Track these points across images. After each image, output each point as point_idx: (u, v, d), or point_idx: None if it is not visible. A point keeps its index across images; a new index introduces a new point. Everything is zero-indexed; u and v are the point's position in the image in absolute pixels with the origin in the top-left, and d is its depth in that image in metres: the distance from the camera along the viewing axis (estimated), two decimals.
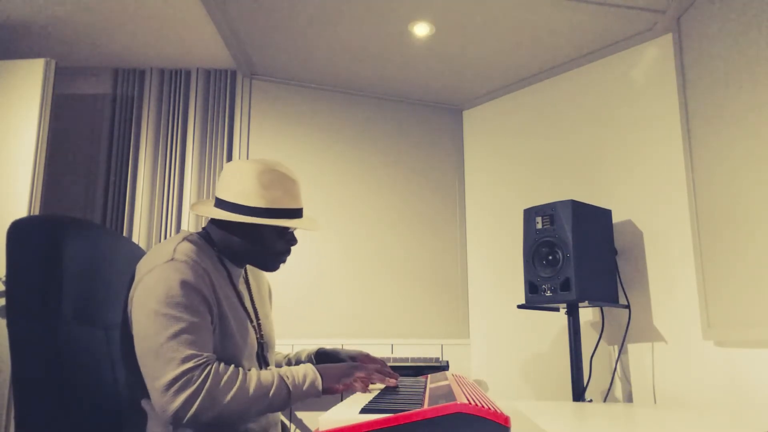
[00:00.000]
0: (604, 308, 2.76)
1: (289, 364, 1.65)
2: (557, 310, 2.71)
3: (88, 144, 3.15)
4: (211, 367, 1.19)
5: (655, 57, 2.74)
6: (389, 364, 2.86)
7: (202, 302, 1.25)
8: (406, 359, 2.91)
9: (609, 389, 2.73)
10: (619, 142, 2.85)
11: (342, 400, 1.19)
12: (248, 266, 1.56)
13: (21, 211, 2.52)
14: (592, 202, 2.79)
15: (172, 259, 1.25)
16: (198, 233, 1.41)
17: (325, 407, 1.17)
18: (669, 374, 2.51)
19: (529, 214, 2.62)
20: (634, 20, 2.68)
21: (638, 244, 2.70)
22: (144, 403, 1.29)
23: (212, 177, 3.13)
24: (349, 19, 2.73)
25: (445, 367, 2.90)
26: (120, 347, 1.32)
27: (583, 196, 2.87)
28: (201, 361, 1.19)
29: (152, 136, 3.12)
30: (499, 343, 3.26)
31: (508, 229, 3.27)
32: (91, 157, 3.13)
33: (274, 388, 1.24)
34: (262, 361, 1.46)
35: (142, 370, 1.20)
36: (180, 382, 1.15)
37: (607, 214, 2.68)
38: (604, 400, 2.74)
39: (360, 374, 1.33)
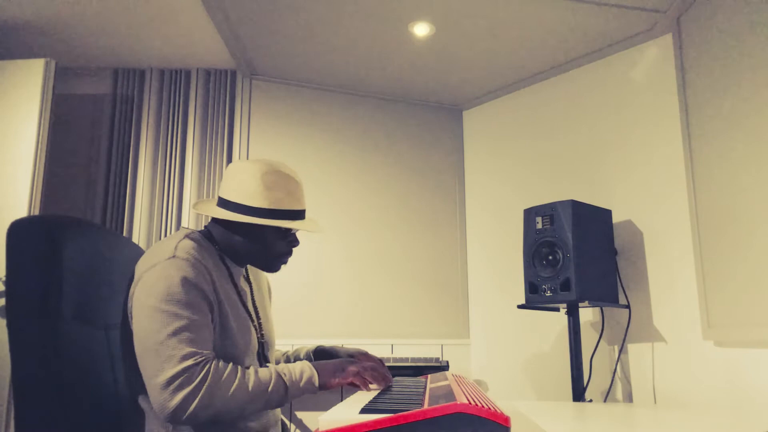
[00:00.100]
0: (604, 308, 2.76)
1: (288, 361, 1.66)
2: (557, 310, 2.71)
3: (88, 144, 3.15)
4: (211, 365, 1.19)
5: (655, 57, 2.74)
6: (389, 364, 2.87)
7: (202, 300, 1.25)
8: (406, 359, 2.91)
9: (609, 389, 2.73)
10: (619, 142, 2.85)
11: (342, 400, 1.19)
12: (249, 265, 1.56)
13: (21, 211, 2.52)
14: (592, 202, 2.79)
15: (174, 256, 1.25)
16: (200, 231, 1.42)
17: (325, 407, 1.17)
18: (669, 374, 2.51)
19: (529, 214, 2.62)
20: (634, 20, 2.68)
21: (638, 244, 2.70)
22: (143, 402, 1.29)
23: (212, 177, 3.13)
24: (349, 20, 2.73)
25: (445, 367, 2.90)
26: (120, 345, 1.32)
27: (583, 196, 2.87)
28: (200, 359, 1.18)
29: (152, 136, 3.12)
30: (499, 343, 3.26)
31: (508, 229, 3.27)
32: (91, 157, 3.13)
33: (271, 384, 1.24)
34: (263, 361, 1.46)
35: (141, 367, 1.20)
36: (179, 380, 1.15)
37: (607, 214, 2.68)
38: (604, 400, 2.74)
39: (353, 368, 1.33)
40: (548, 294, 2.48)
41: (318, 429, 0.88)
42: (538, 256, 2.55)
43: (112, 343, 1.42)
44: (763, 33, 2.06)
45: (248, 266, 1.56)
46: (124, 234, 3.00)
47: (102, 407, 1.34)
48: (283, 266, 1.47)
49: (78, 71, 3.21)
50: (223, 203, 1.39)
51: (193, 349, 1.19)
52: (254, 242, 1.40)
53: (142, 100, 3.18)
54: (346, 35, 2.87)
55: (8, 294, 1.24)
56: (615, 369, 2.72)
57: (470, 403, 0.82)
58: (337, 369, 1.33)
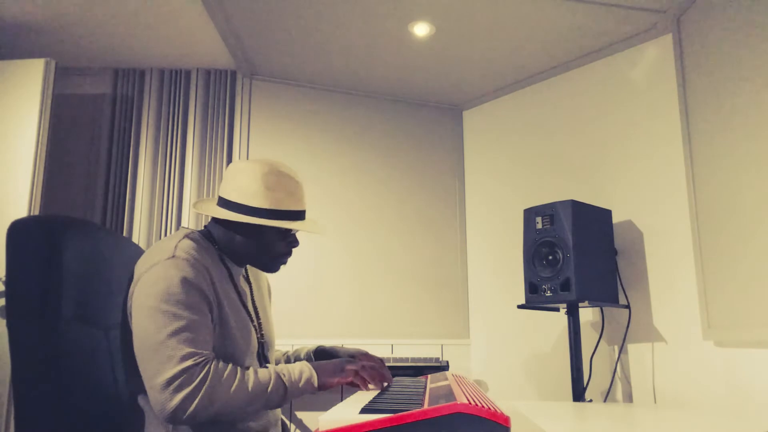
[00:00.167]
0: (604, 308, 2.76)
1: (288, 361, 1.66)
2: (557, 310, 2.71)
3: (88, 144, 3.15)
4: (210, 366, 1.19)
5: (655, 57, 2.74)
6: (389, 364, 2.86)
7: (202, 300, 1.25)
8: (406, 359, 2.91)
9: (609, 389, 2.73)
10: (619, 142, 2.85)
11: (342, 400, 1.19)
12: (248, 265, 1.56)
13: (21, 211, 2.52)
14: (592, 202, 2.79)
15: (174, 256, 1.25)
16: (199, 231, 1.41)
17: (325, 407, 1.17)
18: (669, 374, 2.51)
19: (529, 214, 2.62)
20: (634, 20, 2.68)
21: (638, 244, 2.70)
22: (143, 402, 1.29)
23: (212, 177, 3.13)
24: (349, 20, 2.73)
25: (445, 367, 2.89)
26: (119, 345, 1.32)
27: (583, 196, 2.87)
28: (200, 360, 1.18)
29: (152, 136, 3.12)
30: (499, 343, 3.26)
31: (508, 229, 3.27)
32: (91, 157, 3.13)
33: (271, 385, 1.24)
34: (263, 360, 1.46)
35: (141, 367, 1.20)
36: (179, 380, 1.15)
37: (607, 214, 2.68)
38: (604, 400, 2.74)
39: (351, 368, 1.34)
40: (548, 294, 2.48)
41: (318, 429, 0.88)
42: (538, 256, 2.55)
43: (112, 343, 1.42)
44: (763, 33, 2.06)
45: (248, 266, 1.56)
46: (124, 234, 3.00)
47: (102, 407, 1.34)
48: (282, 266, 1.47)
49: (78, 71, 3.21)
50: (224, 203, 1.39)
51: (193, 350, 1.18)
52: (254, 242, 1.40)
53: (142, 100, 3.18)
54: (346, 35, 2.87)
55: (8, 294, 1.24)
56: (615, 369, 2.72)
57: (470, 403, 0.82)
58: (336, 369, 1.33)
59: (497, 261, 3.33)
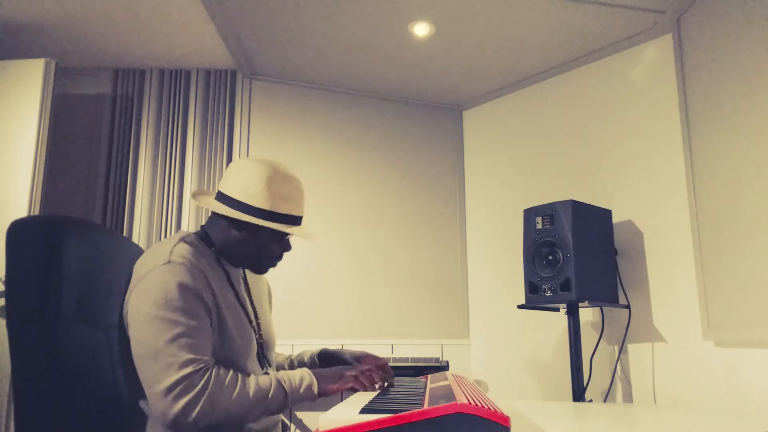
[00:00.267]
0: (604, 308, 2.76)
1: (291, 365, 1.66)
2: (557, 310, 2.71)
3: (88, 144, 3.15)
4: (211, 372, 1.19)
5: (655, 57, 2.74)
6: (389, 364, 2.86)
7: (200, 305, 1.25)
8: (406, 359, 2.91)
9: (609, 389, 2.73)
10: (619, 142, 2.85)
11: (342, 400, 1.19)
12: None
13: (21, 211, 2.52)
14: (592, 202, 2.78)
15: (169, 262, 1.25)
16: (195, 233, 1.41)
17: (326, 407, 1.17)
18: (669, 374, 2.51)
19: (529, 214, 2.62)
20: (634, 20, 2.68)
21: (638, 244, 2.70)
22: (143, 404, 1.29)
23: (212, 177, 3.13)
24: (349, 20, 2.73)
25: (445, 367, 2.89)
26: (118, 349, 1.32)
27: (583, 196, 2.87)
28: (200, 366, 1.18)
29: (152, 136, 3.12)
30: (499, 343, 3.26)
31: (508, 229, 3.27)
32: (91, 157, 3.13)
33: (271, 391, 1.24)
34: (263, 361, 1.46)
35: (141, 375, 1.20)
36: (180, 387, 1.15)
37: (607, 214, 2.68)
38: (604, 400, 2.74)
39: (350, 373, 1.34)
40: (548, 294, 2.47)
41: (318, 429, 0.88)
42: (538, 256, 2.55)
43: (112, 343, 1.42)
44: (763, 33, 2.06)
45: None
46: (124, 234, 3.00)
47: (102, 407, 1.34)
48: (282, 266, 1.47)
49: (78, 71, 3.21)
50: (225, 199, 1.39)
51: (193, 356, 1.18)
52: (249, 241, 1.40)
53: (142, 100, 3.18)
54: (346, 35, 2.87)
55: (8, 294, 1.24)
56: (615, 369, 2.72)
57: (470, 403, 0.82)
58: (335, 376, 1.34)
59: (497, 261, 3.33)
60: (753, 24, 2.11)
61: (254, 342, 1.41)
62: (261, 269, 1.46)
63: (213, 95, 3.22)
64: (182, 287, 1.22)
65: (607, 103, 2.93)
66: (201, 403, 1.15)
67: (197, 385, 1.16)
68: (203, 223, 1.47)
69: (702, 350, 2.39)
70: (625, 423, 1.31)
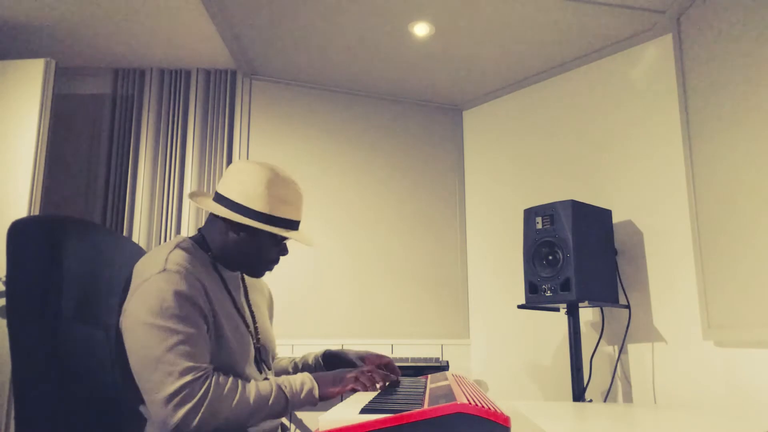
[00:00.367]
0: (604, 308, 2.76)
1: (296, 368, 1.66)
2: (557, 310, 2.71)
3: (88, 144, 3.15)
4: (211, 380, 1.19)
5: (655, 57, 2.74)
6: None
7: (197, 312, 1.24)
8: (406, 359, 2.91)
9: (609, 389, 2.73)
10: (619, 142, 2.85)
11: (342, 400, 1.19)
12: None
13: (21, 211, 2.52)
14: (592, 202, 2.79)
15: (165, 270, 1.24)
16: (191, 238, 1.40)
17: (326, 407, 1.17)
18: (669, 374, 2.51)
19: (529, 214, 2.62)
20: (634, 20, 2.68)
21: (638, 244, 2.70)
22: (143, 409, 1.29)
23: (212, 177, 3.13)
24: (349, 19, 2.73)
25: (445, 367, 2.89)
26: (116, 355, 1.32)
27: (583, 196, 2.87)
28: (200, 374, 1.18)
29: (152, 136, 3.12)
30: (499, 343, 3.26)
31: (508, 229, 3.27)
32: (91, 157, 3.13)
33: (272, 397, 1.24)
34: (262, 366, 1.45)
35: (140, 384, 1.19)
36: (180, 396, 1.15)
37: (607, 214, 2.68)
38: (604, 400, 2.74)
39: (350, 376, 1.34)
40: (548, 294, 2.48)
41: (318, 429, 0.88)
42: (538, 256, 2.55)
43: (112, 343, 1.42)
44: (763, 33, 2.06)
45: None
46: (124, 234, 3.00)
47: (102, 407, 1.34)
48: (282, 266, 1.47)
49: (78, 71, 3.21)
50: (224, 201, 1.39)
51: (192, 364, 1.18)
52: (247, 244, 1.39)
53: (142, 100, 3.18)
54: (346, 35, 2.87)
55: (8, 294, 1.24)
56: (615, 369, 2.72)
57: (470, 403, 0.82)
58: (336, 379, 1.34)
59: (497, 261, 3.33)
60: (753, 24, 2.11)
61: (252, 347, 1.40)
62: (257, 273, 1.45)
63: (213, 95, 3.22)
64: (178, 295, 1.22)
65: (607, 103, 2.93)
66: (202, 411, 1.15)
67: (197, 394, 1.16)
68: (199, 227, 1.46)
69: (702, 350, 2.39)
70: (625, 423, 1.31)
